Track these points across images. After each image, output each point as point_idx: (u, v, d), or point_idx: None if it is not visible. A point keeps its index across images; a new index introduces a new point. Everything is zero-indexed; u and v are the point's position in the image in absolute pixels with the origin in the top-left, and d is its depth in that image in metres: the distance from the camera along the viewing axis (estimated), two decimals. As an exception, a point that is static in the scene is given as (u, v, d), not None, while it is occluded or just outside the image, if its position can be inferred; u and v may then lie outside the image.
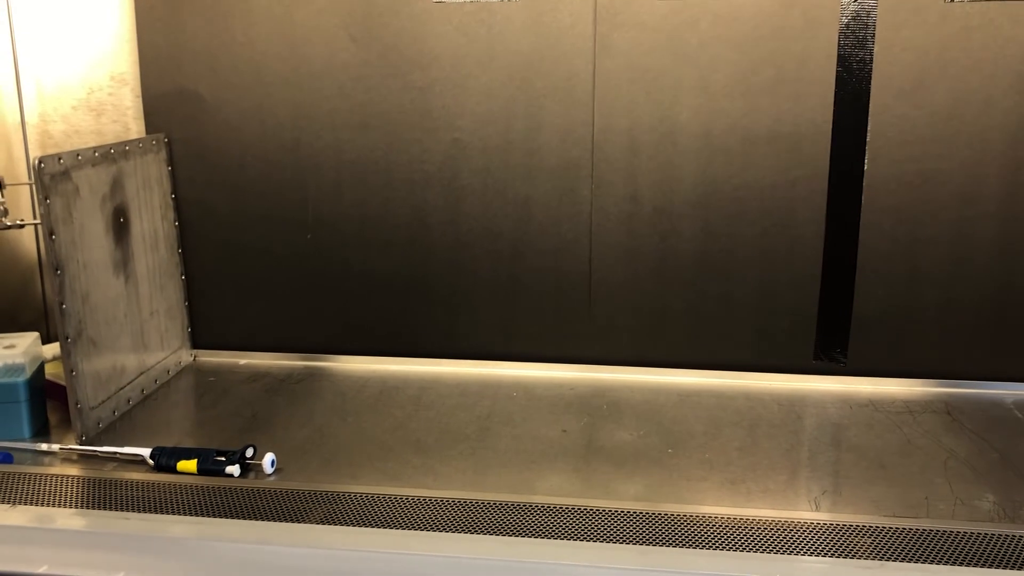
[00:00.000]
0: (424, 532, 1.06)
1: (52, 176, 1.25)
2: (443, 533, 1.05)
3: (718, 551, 1.01)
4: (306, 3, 1.52)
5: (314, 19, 1.53)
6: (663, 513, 1.10)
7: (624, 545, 1.02)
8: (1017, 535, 1.05)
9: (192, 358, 1.67)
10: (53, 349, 1.50)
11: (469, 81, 1.52)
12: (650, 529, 1.06)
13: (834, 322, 1.53)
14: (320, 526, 1.07)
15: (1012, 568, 0.98)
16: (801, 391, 1.51)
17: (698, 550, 1.00)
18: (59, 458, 1.27)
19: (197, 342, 1.68)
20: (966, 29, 1.39)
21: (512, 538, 1.04)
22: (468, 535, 1.05)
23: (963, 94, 1.42)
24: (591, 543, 1.03)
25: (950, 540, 1.04)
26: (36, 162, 1.22)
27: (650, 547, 1.01)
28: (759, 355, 1.56)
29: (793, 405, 1.46)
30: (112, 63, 1.62)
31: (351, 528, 1.07)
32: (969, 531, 1.06)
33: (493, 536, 1.05)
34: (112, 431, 1.37)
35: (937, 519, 1.09)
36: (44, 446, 1.29)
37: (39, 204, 1.23)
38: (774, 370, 1.55)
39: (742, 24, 1.44)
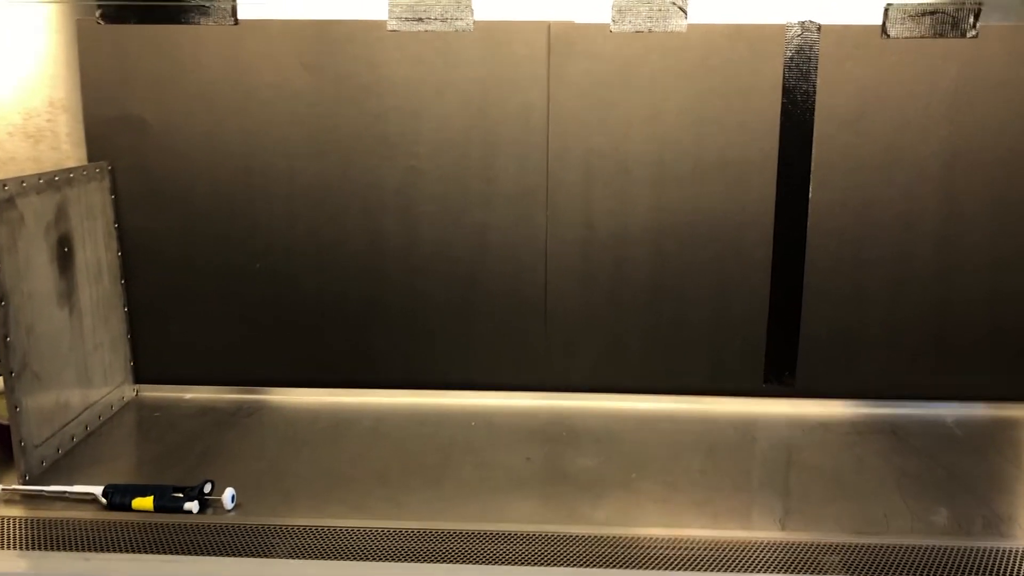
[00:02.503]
0: (401, 563, 1.04)
1: (-4, 204, 1.20)
2: (419, 563, 1.03)
3: (699, 572, 1.01)
4: (257, 30, 1.51)
5: (265, 46, 1.51)
6: (635, 537, 1.10)
7: (602, 569, 1.02)
8: (974, 547, 1.09)
9: (135, 393, 1.61)
10: (-10, 385, 1.43)
11: (425, 109, 1.52)
12: (624, 553, 1.06)
13: (782, 345, 1.57)
14: (291, 560, 1.04)
15: (971, 578, 1.03)
16: (753, 414, 1.55)
17: (678, 571, 1.01)
18: (1, 499, 1.21)
19: (139, 376, 1.62)
20: (902, 63, 1.46)
21: (491, 566, 1.03)
22: (444, 564, 1.03)
23: (901, 124, 1.48)
24: (568, 568, 1.03)
25: (914, 554, 1.07)
26: (-20, 189, 1.17)
27: (629, 571, 1.01)
28: (711, 379, 1.59)
29: (747, 428, 1.49)
30: (50, 88, 1.57)
31: (325, 562, 1.04)
32: (930, 545, 1.09)
33: (469, 564, 1.03)
34: (56, 470, 1.31)
35: (899, 535, 1.13)
36: (-16, 487, 1.22)
37: (-17, 232, 1.18)
38: (726, 393, 1.58)
39: (691, 56, 1.48)
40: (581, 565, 1.04)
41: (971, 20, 1.44)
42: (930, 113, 1.48)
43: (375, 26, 1.49)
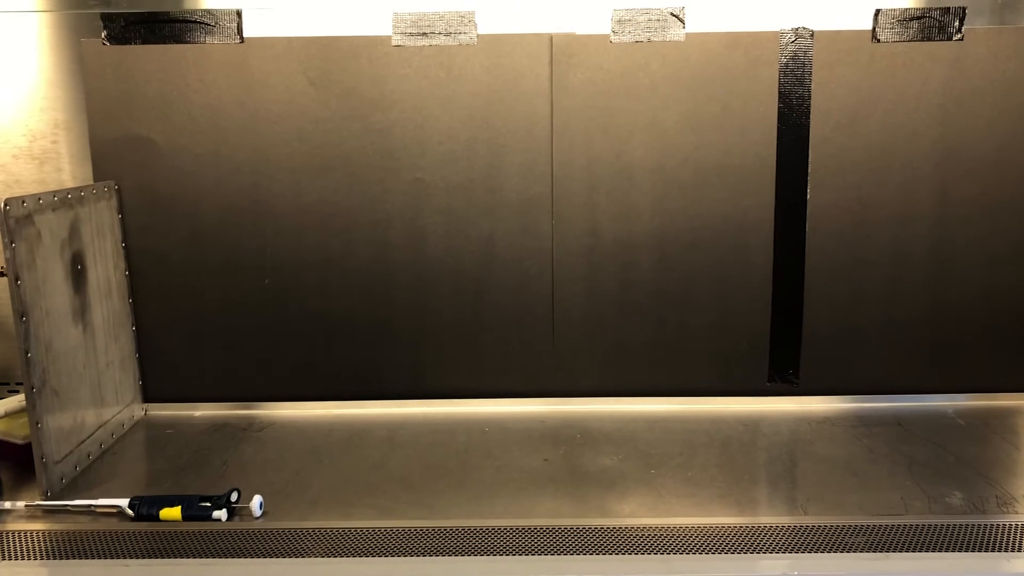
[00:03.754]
0: (442, 558, 1.05)
1: (16, 220, 1.21)
2: (461, 557, 1.05)
3: (733, 555, 1.03)
4: (263, 48, 1.53)
5: (271, 64, 1.53)
6: (664, 526, 1.12)
7: (637, 556, 1.04)
8: (992, 523, 1.12)
9: (144, 412, 1.60)
10: (4, 405, 1.43)
11: (430, 122, 1.54)
12: (657, 542, 1.08)
13: (786, 345, 1.61)
14: (327, 559, 1.05)
15: (993, 551, 1.06)
16: (760, 412, 1.57)
17: (715, 555, 1.03)
18: (25, 515, 1.20)
19: (148, 395, 1.62)
20: (892, 67, 1.52)
21: (529, 557, 1.04)
22: (482, 557, 1.04)
23: (893, 126, 1.53)
24: (606, 556, 1.04)
25: (933, 533, 1.10)
26: (2, 205, 1.17)
27: (670, 555, 1.03)
28: (717, 380, 1.61)
29: (757, 425, 1.51)
30: (54, 110, 1.58)
31: (360, 559, 1.05)
32: (949, 523, 1.12)
33: (509, 556, 1.04)
34: (75, 487, 1.30)
35: (918, 515, 1.16)
36: (7, 504, 1.21)
37: (4, 248, 1.18)
38: (732, 394, 1.61)
39: (690, 64, 1.52)
40: (617, 553, 1.05)
41: (956, 24, 1.50)
42: (920, 114, 1.53)
43: (380, 41, 1.52)
